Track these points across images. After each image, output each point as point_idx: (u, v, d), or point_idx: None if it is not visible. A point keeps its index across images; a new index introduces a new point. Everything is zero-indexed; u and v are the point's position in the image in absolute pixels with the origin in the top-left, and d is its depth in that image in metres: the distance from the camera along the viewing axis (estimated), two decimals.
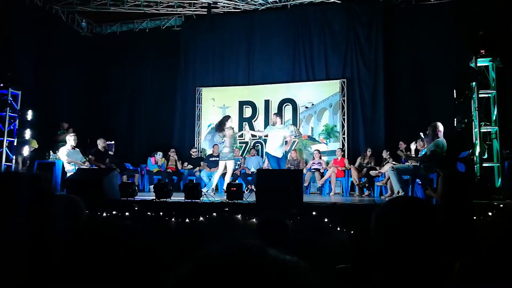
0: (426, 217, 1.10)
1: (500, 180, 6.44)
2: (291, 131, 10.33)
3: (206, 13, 11.06)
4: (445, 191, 3.13)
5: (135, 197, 6.11)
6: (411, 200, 1.27)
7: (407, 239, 1.07)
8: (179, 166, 9.90)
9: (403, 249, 1.08)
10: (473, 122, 6.72)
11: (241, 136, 10.10)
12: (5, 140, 7.89)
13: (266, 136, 8.49)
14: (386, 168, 7.50)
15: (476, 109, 6.65)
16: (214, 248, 0.54)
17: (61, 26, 11.18)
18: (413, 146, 7.65)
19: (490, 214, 4.81)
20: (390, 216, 1.15)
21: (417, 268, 1.06)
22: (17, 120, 8.16)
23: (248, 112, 10.77)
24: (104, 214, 5.46)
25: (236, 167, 9.57)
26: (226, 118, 8.01)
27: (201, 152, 10.80)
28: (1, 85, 7.91)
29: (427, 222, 1.09)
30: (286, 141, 8.66)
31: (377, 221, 1.15)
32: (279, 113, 9.58)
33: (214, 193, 7.53)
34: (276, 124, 8.12)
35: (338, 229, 4.81)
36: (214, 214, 5.27)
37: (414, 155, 7.28)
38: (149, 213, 5.52)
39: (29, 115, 8.34)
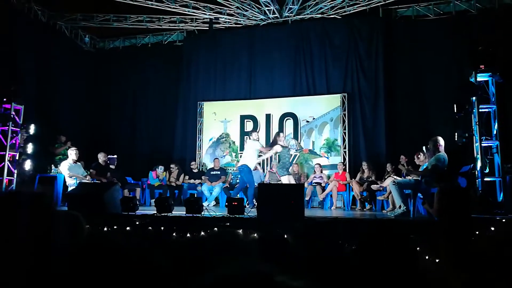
0: None
1: (502, 194, 6.41)
2: (291, 145, 10.36)
3: (207, 28, 11.19)
4: (441, 206, 3.10)
5: (136, 211, 6.10)
6: None
7: None
8: (180, 181, 9.90)
9: None
10: (474, 137, 6.72)
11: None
12: (6, 154, 7.91)
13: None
14: (388, 182, 7.48)
15: (477, 123, 6.66)
16: (224, 271, 0.55)
17: (65, 41, 11.32)
18: (421, 157, 7.43)
19: (492, 228, 4.78)
20: None
21: None
22: (20, 134, 8.18)
23: (249, 126, 10.80)
24: (106, 229, 5.44)
25: (238, 180, 9.58)
26: (277, 134, 8.09)
27: (202, 166, 10.81)
28: (4, 99, 7.95)
29: None
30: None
31: None
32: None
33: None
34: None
35: (340, 243, 4.78)
36: (215, 228, 5.25)
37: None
38: (150, 227, 5.49)
39: (32, 129, 8.38)
